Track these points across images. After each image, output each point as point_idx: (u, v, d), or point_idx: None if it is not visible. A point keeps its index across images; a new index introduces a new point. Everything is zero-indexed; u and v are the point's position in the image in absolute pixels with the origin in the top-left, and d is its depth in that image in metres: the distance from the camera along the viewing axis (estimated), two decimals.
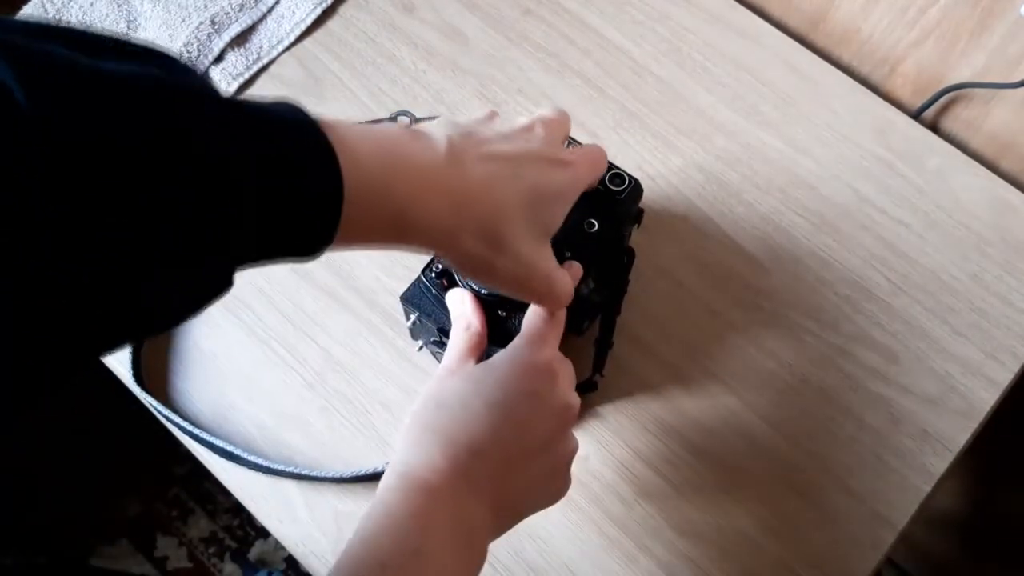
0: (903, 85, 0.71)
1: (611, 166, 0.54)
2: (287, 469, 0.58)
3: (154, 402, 0.61)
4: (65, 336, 0.28)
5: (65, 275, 0.26)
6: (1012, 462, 0.92)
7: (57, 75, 0.26)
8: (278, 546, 1.35)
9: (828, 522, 0.56)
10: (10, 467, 1.17)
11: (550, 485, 0.47)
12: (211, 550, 1.35)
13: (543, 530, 0.57)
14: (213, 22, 0.72)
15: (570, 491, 0.48)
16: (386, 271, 0.65)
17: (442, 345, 0.54)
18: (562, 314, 0.49)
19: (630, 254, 0.61)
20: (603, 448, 0.59)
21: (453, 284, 0.52)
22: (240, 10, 0.73)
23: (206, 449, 0.60)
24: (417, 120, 0.67)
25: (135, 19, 0.74)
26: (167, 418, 0.61)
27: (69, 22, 0.72)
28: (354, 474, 0.58)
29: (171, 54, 0.32)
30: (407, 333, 0.61)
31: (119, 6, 0.74)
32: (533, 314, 0.48)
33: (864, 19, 0.69)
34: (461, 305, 0.50)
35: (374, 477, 0.57)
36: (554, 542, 0.57)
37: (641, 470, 0.58)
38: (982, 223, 0.64)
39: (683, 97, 0.70)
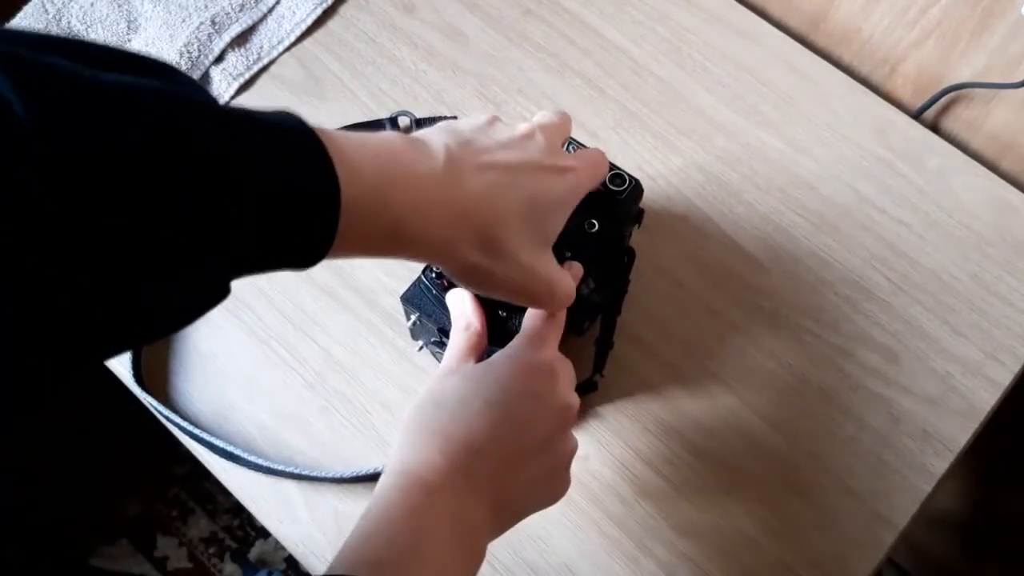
0: (903, 85, 0.71)
1: (611, 166, 0.54)
2: (287, 469, 0.58)
3: (154, 402, 0.61)
4: (65, 338, 0.28)
5: (65, 275, 0.26)
6: (1012, 462, 0.92)
7: (58, 87, 0.26)
8: (278, 546, 1.35)
9: (828, 522, 0.56)
10: (11, 467, 1.17)
11: (549, 485, 0.47)
12: (211, 550, 1.35)
13: (543, 530, 0.57)
14: (213, 22, 0.72)
15: (570, 491, 0.48)
16: (386, 271, 0.65)
17: (442, 345, 0.54)
18: (562, 314, 0.49)
19: (630, 254, 0.61)
20: (603, 448, 0.59)
21: (453, 284, 0.52)
22: (240, 10, 0.73)
23: (206, 449, 0.60)
24: (418, 121, 0.66)
25: (135, 19, 0.74)
26: (167, 418, 0.61)
27: (71, 31, 0.72)
28: (354, 474, 0.58)
29: (173, 65, 0.33)
30: (407, 333, 0.61)
31: (119, 6, 0.74)
32: (533, 314, 0.48)
33: (864, 19, 0.69)
34: (461, 305, 0.50)
35: (374, 477, 0.57)
36: (554, 542, 0.57)
37: (641, 470, 0.58)
38: (982, 223, 0.64)
39: (683, 97, 0.70)
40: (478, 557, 0.43)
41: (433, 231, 0.38)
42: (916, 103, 0.70)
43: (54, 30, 0.73)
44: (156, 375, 0.63)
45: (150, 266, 0.28)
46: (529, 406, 0.45)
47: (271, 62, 0.72)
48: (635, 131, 0.68)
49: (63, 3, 0.74)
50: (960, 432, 0.58)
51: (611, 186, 0.54)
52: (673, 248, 0.64)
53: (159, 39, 0.72)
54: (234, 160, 0.30)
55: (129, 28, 0.74)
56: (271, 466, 0.58)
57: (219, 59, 0.72)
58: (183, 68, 0.70)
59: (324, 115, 0.70)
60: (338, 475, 0.58)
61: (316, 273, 0.65)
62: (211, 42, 0.72)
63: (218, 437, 0.60)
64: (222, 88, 0.71)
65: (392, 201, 0.37)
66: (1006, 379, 0.60)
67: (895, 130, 0.68)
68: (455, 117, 0.68)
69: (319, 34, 0.73)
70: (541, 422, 0.45)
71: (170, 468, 1.39)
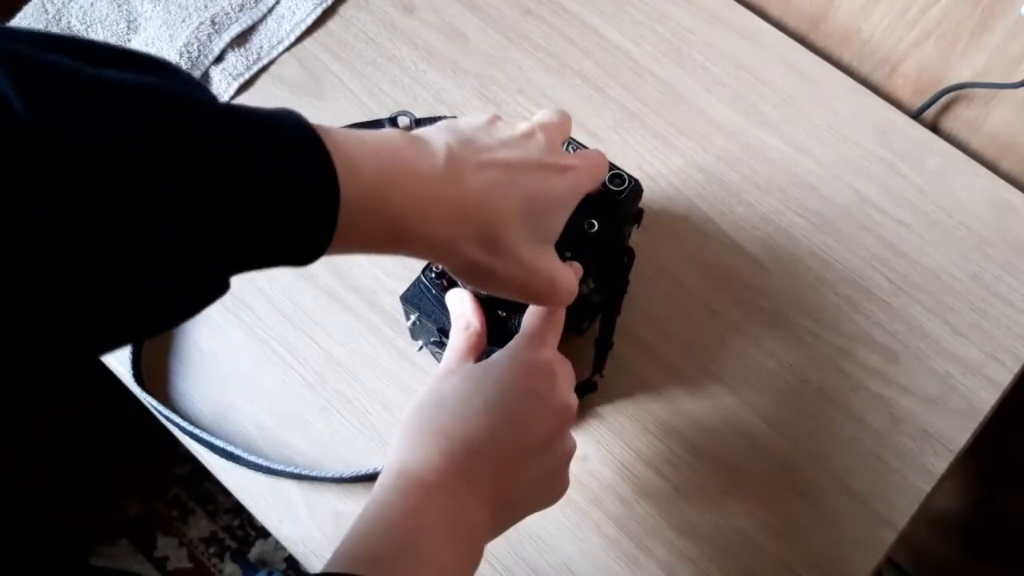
0: (904, 85, 0.71)
1: (611, 166, 0.54)
2: (287, 469, 0.58)
3: (154, 402, 0.61)
4: (66, 332, 0.28)
5: (66, 271, 0.26)
6: (1012, 462, 0.92)
7: (59, 84, 0.26)
8: (278, 546, 1.35)
9: (828, 522, 0.56)
10: (11, 467, 1.17)
11: (549, 485, 0.47)
12: (211, 550, 1.35)
13: (543, 530, 0.57)
14: (213, 22, 0.72)
15: (570, 491, 0.48)
16: (386, 271, 0.65)
17: (442, 345, 0.54)
18: (561, 314, 0.49)
19: (630, 254, 0.61)
20: (603, 448, 0.59)
21: (453, 284, 0.52)
22: (240, 10, 0.73)
23: (206, 449, 0.60)
24: (418, 121, 0.66)
25: (135, 19, 0.74)
26: (167, 418, 0.61)
27: (70, 31, 0.73)
28: (354, 474, 0.58)
29: (173, 64, 0.33)
30: (407, 333, 0.61)
31: (119, 6, 0.74)
32: (532, 314, 0.48)
33: (864, 19, 0.69)
34: (461, 305, 0.50)
35: (374, 477, 0.57)
36: (554, 542, 0.57)
37: (641, 470, 0.58)
38: (982, 223, 0.64)
39: (683, 97, 0.70)
40: (477, 557, 0.43)
41: (434, 229, 0.39)
42: (916, 103, 0.70)
43: (54, 30, 0.73)
44: (156, 375, 0.63)
45: (150, 262, 0.29)
46: (528, 406, 0.45)
47: (271, 62, 0.72)
48: (635, 131, 0.68)
49: (63, 3, 0.74)
50: (960, 432, 0.58)
51: (611, 186, 0.54)
52: (673, 248, 0.64)
53: (159, 39, 0.72)
54: (234, 157, 0.30)
55: (129, 28, 0.74)
56: (271, 466, 0.58)
57: (219, 59, 0.72)
58: (183, 68, 0.70)
59: (324, 115, 0.70)
60: (338, 475, 0.58)
61: (316, 273, 0.65)
62: (211, 42, 0.72)
63: (218, 437, 0.60)
64: (222, 88, 0.71)
65: (392, 198, 0.37)
66: (1006, 379, 0.60)
67: (895, 130, 0.68)
68: (455, 117, 0.68)
69: (319, 34, 0.73)
70: (540, 422, 0.45)
71: (170, 468, 1.39)
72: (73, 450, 1.23)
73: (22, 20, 0.74)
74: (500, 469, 0.43)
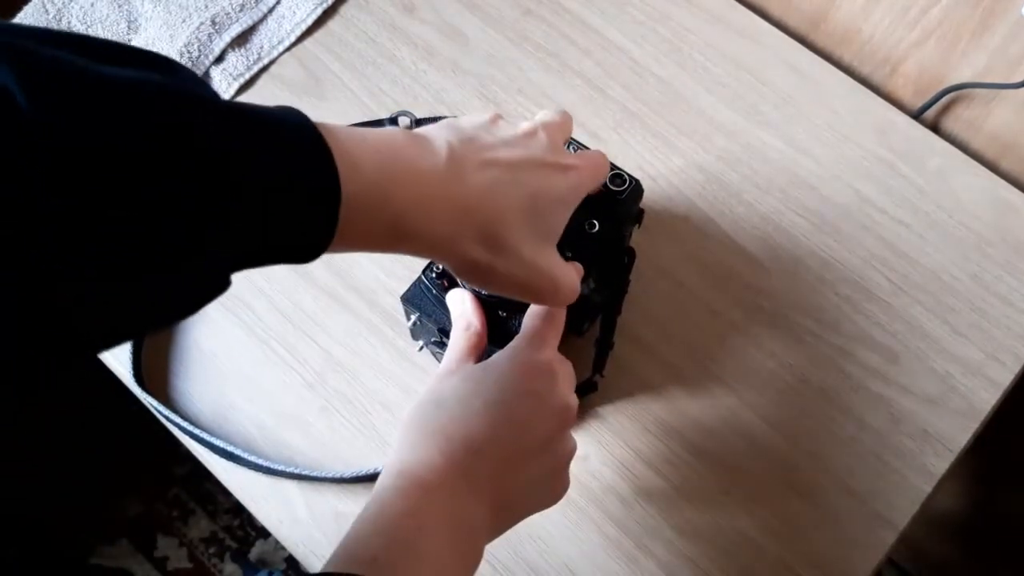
0: (904, 85, 0.71)
1: (612, 166, 0.54)
2: (287, 469, 0.58)
3: (154, 402, 0.61)
4: (68, 328, 0.28)
5: (69, 267, 0.26)
6: (1012, 462, 0.92)
7: (61, 80, 0.26)
8: (278, 546, 1.35)
9: (828, 522, 0.56)
10: (11, 467, 1.17)
11: (549, 486, 0.47)
12: (211, 550, 1.36)
13: (543, 530, 0.57)
14: (214, 22, 0.72)
15: (570, 491, 0.48)
16: (386, 271, 0.65)
17: (442, 345, 0.54)
18: (562, 314, 0.49)
19: (631, 254, 0.61)
20: (603, 448, 0.59)
21: (453, 284, 0.52)
22: (241, 10, 0.73)
23: (206, 449, 0.60)
24: (418, 121, 0.66)
25: (135, 19, 0.74)
26: (167, 418, 0.61)
27: (73, 28, 0.73)
28: (354, 474, 0.58)
29: (176, 61, 0.33)
30: (407, 333, 0.61)
31: (119, 7, 0.74)
32: (533, 314, 0.48)
33: (865, 19, 0.69)
34: (461, 305, 0.50)
35: (374, 477, 0.57)
36: (554, 542, 0.57)
37: (641, 470, 0.58)
38: (983, 223, 0.64)
39: (684, 97, 0.70)
40: (477, 557, 0.43)
41: (435, 227, 0.39)
42: (917, 103, 0.70)
43: None
44: (156, 375, 0.63)
45: (152, 259, 0.29)
46: (529, 406, 0.45)
47: (271, 62, 0.72)
48: (635, 131, 0.68)
49: (63, 3, 0.74)
50: (960, 432, 0.58)
51: (611, 186, 0.54)
52: (673, 248, 0.64)
53: (159, 39, 0.72)
54: (235, 154, 0.31)
55: (129, 28, 0.74)
56: (271, 466, 0.58)
57: (219, 59, 0.72)
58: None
59: (324, 115, 0.70)
60: (338, 475, 0.58)
61: (316, 273, 0.65)
62: (211, 42, 0.72)
63: (218, 437, 0.60)
64: (222, 88, 0.71)
65: (393, 196, 0.37)
66: (1006, 379, 0.60)
67: (895, 130, 0.68)
68: (455, 117, 0.68)
69: (319, 34, 0.73)
70: (541, 422, 0.45)
71: (170, 468, 1.39)
72: (73, 450, 1.23)
73: (22, 20, 0.74)
74: (500, 469, 0.43)
